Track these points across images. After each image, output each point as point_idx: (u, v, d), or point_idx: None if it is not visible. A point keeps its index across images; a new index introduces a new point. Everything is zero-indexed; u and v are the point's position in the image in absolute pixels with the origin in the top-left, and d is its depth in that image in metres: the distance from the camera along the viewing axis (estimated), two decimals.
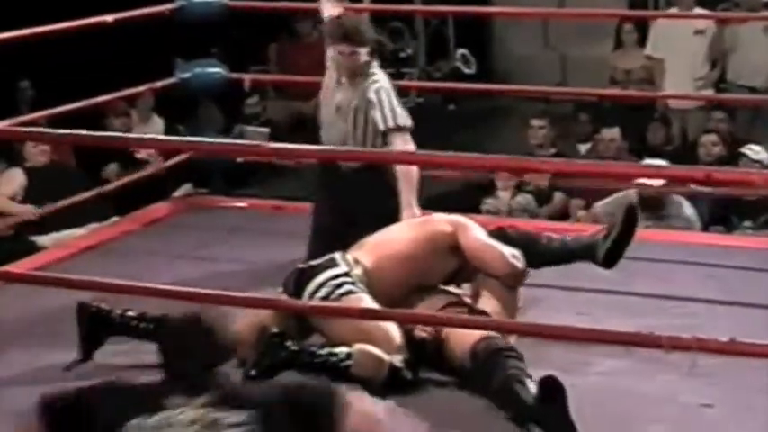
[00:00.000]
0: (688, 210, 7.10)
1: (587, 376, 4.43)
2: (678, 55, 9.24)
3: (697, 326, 4.19)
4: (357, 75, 5.30)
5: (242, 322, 4.41)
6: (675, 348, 4.08)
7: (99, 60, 9.00)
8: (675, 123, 9.25)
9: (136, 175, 7.20)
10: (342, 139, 5.32)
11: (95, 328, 4.60)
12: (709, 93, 9.29)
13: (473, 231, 4.71)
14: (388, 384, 4.20)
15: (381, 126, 5.22)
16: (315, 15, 6.13)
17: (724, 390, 4.26)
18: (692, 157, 7.99)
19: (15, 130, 5.64)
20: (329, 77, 5.44)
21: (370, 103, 5.25)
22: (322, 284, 4.49)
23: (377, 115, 5.23)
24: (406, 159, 4.92)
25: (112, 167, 8.16)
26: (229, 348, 4.29)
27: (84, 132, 4.53)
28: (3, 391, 4.45)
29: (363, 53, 5.28)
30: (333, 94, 5.38)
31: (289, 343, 4.29)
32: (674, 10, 9.59)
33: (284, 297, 4.49)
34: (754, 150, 7.43)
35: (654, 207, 7.02)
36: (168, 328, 4.31)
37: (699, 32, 9.24)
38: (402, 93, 11.44)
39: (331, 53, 5.40)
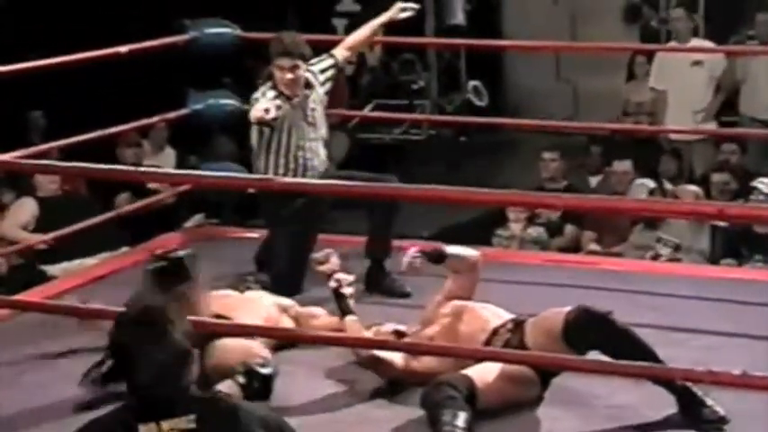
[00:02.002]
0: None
1: (599, 409, 4.41)
2: (677, 86, 9.18)
3: (709, 359, 4.17)
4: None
5: None
6: (688, 381, 4.09)
7: (112, 91, 9.03)
8: (686, 155, 9.22)
9: (147, 201, 7.20)
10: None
11: None
12: (712, 125, 9.23)
13: None
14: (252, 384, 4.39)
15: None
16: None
17: (736, 423, 4.24)
18: (704, 188, 7.96)
19: (25, 163, 5.64)
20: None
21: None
22: None
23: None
24: (415, 195, 4.87)
25: (124, 197, 8.17)
26: None
27: (93, 165, 4.54)
28: (13, 421, 4.45)
29: (303, 67, 5.59)
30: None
31: None
32: (673, 42, 9.58)
33: None
34: (766, 184, 7.39)
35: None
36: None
37: (696, 63, 9.15)
38: (414, 125, 11.52)
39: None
